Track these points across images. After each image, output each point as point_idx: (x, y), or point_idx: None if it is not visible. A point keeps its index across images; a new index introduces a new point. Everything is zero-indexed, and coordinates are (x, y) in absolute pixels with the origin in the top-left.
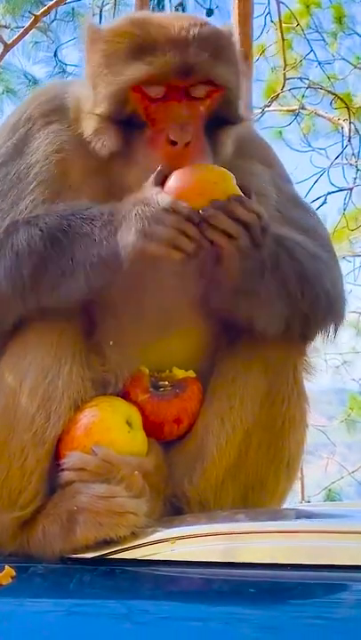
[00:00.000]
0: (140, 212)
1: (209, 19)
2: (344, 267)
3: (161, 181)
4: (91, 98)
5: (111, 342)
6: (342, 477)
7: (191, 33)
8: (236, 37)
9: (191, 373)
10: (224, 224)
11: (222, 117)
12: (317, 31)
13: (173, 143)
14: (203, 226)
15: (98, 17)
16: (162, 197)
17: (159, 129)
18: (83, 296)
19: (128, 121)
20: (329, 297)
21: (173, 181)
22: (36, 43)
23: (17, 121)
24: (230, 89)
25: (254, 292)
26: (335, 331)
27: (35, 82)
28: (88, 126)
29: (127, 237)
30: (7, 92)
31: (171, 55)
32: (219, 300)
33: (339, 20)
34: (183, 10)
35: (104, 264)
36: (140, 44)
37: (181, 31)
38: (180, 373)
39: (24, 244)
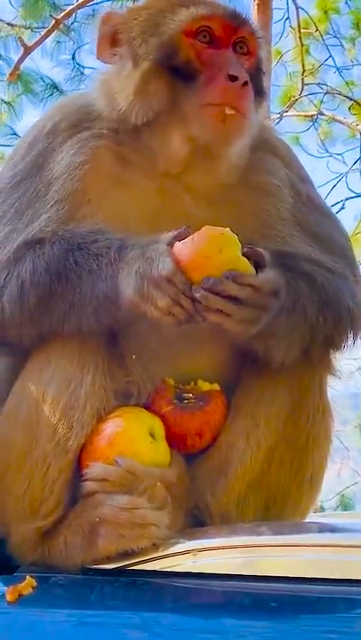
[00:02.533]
0: (141, 269)
1: None
2: None
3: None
4: (129, 65)
5: (134, 356)
6: (356, 483)
7: None
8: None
9: (216, 386)
10: (215, 304)
11: (253, 85)
12: (336, 37)
13: (233, 79)
14: (197, 304)
15: None
16: (164, 263)
17: (217, 68)
18: (94, 327)
19: (177, 70)
20: (351, 312)
21: (176, 249)
22: (58, 42)
23: (37, 135)
24: (261, 59)
25: (271, 333)
26: (355, 339)
27: (54, 86)
28: (129, 91)
29: (125, 288)
30: (26, 92)
31: (220, 5)
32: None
33: (357, 25)
34: None
35: (109, 301)
36: (185, 0)
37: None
38: (205, 386)
39: (28, 276)
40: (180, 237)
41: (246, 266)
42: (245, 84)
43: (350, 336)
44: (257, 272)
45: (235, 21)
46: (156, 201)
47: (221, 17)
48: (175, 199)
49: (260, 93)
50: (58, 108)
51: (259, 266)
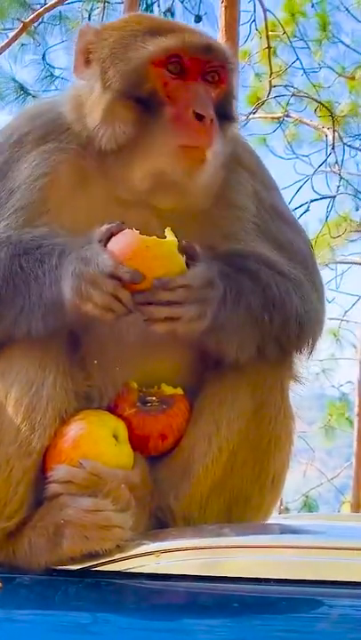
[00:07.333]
0: (77, 270)
1: (197, 25)
2: (326, 274)
3: (106, 239)
4: (97, 88)
5: (95, 361)
6: (321, 484)
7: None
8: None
9: (179, 390)
10: (161, 313)
11: (222, 112)
12: (303, 39)
13: (200, 117)
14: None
15: (87, 21)
16: (103, 260)
17: (183, 104)
18: (42, 332)
19: (144, 101)
20: (299, 316)
21: (111, 243)
22: (23, 45)
23: (4, 142)
24: (232, 85)
25: (220, 327)
26: (312, 348)
27: (22, 88)
28: (95, 116)
29: (66, 292)
30: None
31: (191, 33)
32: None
33: (323, 28)
34: (172, 15)
35: (56, 307)
36: (158, 26)
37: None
38: (168, 390)
39: None
40: (108, 234)
41: (180, 261)
42: (212, 121)
43: (299, 341)
44: (189, 266)
45: (206, 53)
46: (118, 214)
47: (192, 49)
48: (137, 213)
49: (229, 118)
50: (27, 118)
51: (192, 259)
